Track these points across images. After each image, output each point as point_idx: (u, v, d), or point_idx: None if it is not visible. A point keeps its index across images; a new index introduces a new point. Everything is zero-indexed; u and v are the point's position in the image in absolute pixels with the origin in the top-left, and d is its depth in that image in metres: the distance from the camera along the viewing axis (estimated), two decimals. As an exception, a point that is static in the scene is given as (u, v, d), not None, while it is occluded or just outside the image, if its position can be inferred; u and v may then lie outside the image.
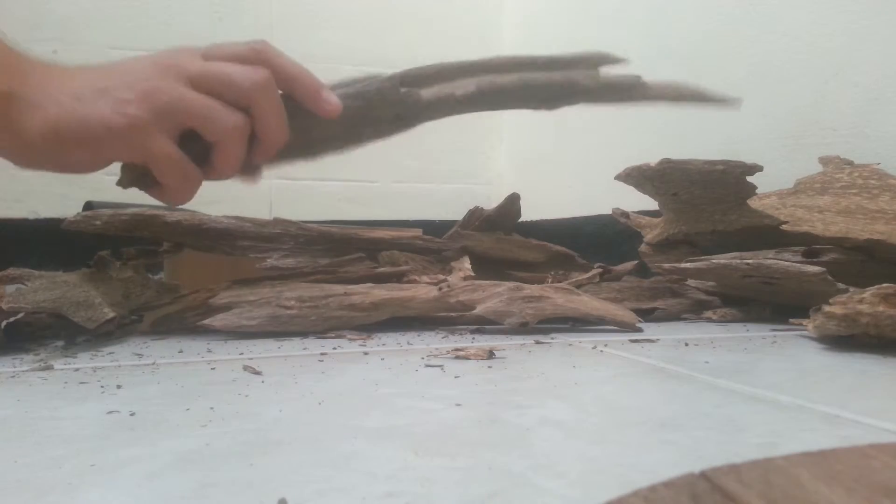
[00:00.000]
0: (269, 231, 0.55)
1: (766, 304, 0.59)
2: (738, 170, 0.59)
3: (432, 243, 0.68)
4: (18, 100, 0.41)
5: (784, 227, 0.61)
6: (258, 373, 0.38)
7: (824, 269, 0.45)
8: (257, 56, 0.44)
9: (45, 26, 1.12)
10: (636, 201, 0.77)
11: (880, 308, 0.43)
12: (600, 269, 0.69)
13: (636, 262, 0.73)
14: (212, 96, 0.41)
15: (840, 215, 0.62)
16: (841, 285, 0.49)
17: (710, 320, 0.62)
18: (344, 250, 0.61)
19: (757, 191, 0.64)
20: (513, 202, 0.76)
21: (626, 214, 0.79)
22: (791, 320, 0.54)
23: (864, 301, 0.43)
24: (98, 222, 0.49)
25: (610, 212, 0.83)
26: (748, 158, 0.61)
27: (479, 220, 0.74)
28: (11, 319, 0.49)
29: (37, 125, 0.41)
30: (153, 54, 0.44)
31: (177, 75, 0.42)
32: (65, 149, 0.41)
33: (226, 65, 0.43)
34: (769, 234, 0.60)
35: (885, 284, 0.44)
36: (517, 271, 0.71)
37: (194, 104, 0.41)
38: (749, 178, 0.61)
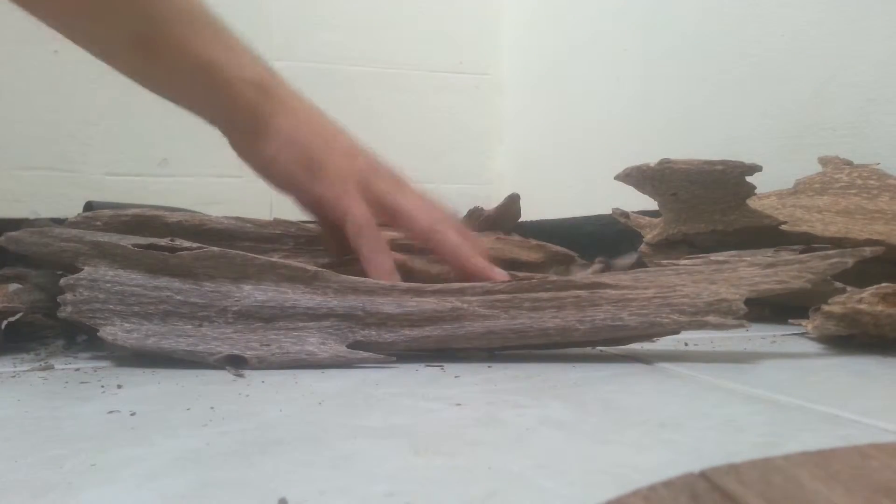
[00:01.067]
0: (270, 231, 0.55)
1: (765, 304, 0.59)
2: (737, 170, 0.60)
3: None
4: (272, 100, 0.49)
5: (783, 227, 0.61)
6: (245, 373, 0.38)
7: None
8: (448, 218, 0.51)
9: (45, 25, 1.12)
10: (636, 201, 0.77)
11: (879, 307, 0.43)
12: (601, 264, 0.68)
13: (636, 253, 0.73)
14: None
15: (839, 215, 0.62)
16: (839, 285, 0.49)
17: (711, 329, 0.62)
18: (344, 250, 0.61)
19: (756, 191, 0.64)
20: (513, 202, 0.76)
21: (625, 214, 0.79)
22: (790, 321, 0.54)
23: (862, 301, 0.43)
24: (99, 223, 0.49)
25: (610, 212, 0.83)
26: (748, 158, 0.61)
27: (478, 221, 0.75)
28: (12, 319, 0.49)
29: (282, 134, 0.49)
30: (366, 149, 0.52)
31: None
32: (288, 165, 0.47)
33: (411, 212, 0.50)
34: (769, 234, 0.60)
35: (883, 284, 0.44)
36: (517, 271, 0.71)
37: (406, 206, 0.49)
38: (749, 178, 0.61)
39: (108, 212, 0.51)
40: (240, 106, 0.48)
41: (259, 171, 0.51)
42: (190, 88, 0.49)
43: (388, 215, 0.50)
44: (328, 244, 0.53)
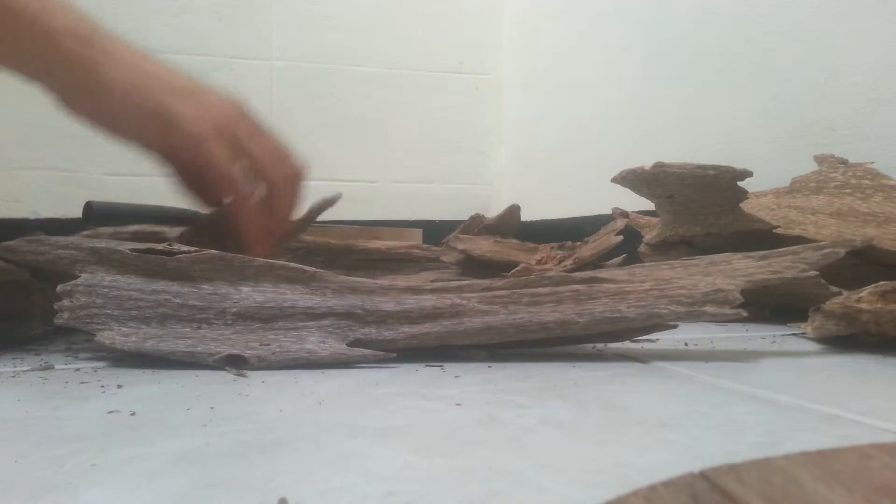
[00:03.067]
0: None
1: (764, 306, 0.59)
2: (728, 175, 0.60)
3: (429, 252, 0.68)
4: (98, 51, 0.45)
5: (776, 230, 0.61)
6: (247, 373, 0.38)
7: (817, 272, 0.45)
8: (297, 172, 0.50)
9: None
10: (637, 201, 0.77)
11: (879, 305, 0.43)
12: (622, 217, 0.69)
13: (624, 256, 0.73)
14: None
15: (832, 217, 0.62)
16: (834, 289, 0.49)
17: (709, 320, 0.62)
18: (341, 261, 0.62)
19: (754, 191, 0.64)
20: (513, 212, 0.77)
21: (625, 214, 0.79)
22: (789, 324, 0.54)
23: (861, 300, 0.43)
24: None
25: (609, 212, 0.83)
26: (747, 157, 0.61)
27: (478, 228, 0.75)
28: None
29: (118, 84, 0.45)
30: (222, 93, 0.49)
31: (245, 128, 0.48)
32: (134, 117, 0.45)
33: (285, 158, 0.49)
34: (762, 238, 0.61)
35: (882, 282, 0.44)
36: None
37: (264, 151, 0.47)
38: (747, 179, 0.61)
39: (108, 230, 0.51)
40: (63, 61, 0.43)
41: (101, 127, 0.47)
42: (8, 47, 0.44)
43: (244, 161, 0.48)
44: (190, 196, 0.51)
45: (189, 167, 0.47)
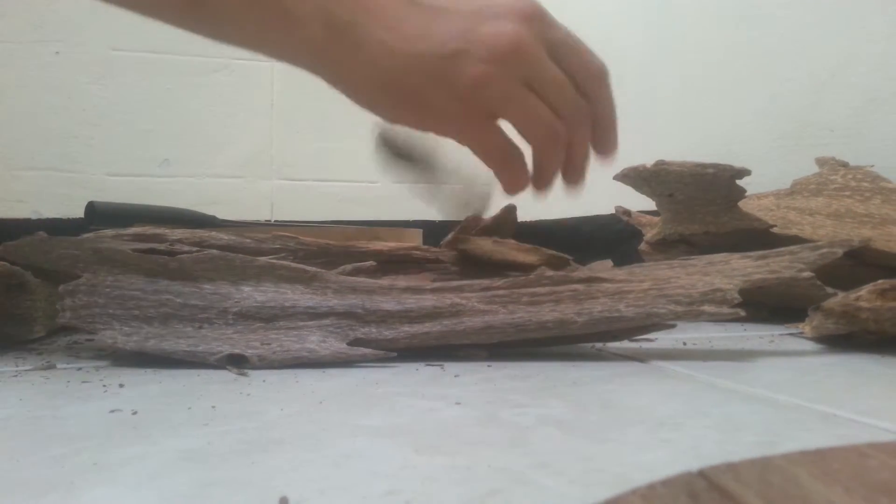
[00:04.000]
0: (269, 246, 0.56)
1: (762, 306, 0.59)
2: (727, 173, 0.60)
3: (429, 252, 0.68)
4: (361, 29, 0.40)
5: (774, 230, 0.61)
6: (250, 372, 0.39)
7: (813, 273, 0.45)
8: (600, 81, 0.43)
9: (46, 26, 1.12)
10: (637, 202, 0.77)
11: (878, 303, 0.43)
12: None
13: (608, 260, 0.74)
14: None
15: (830, 219, 0.62)
16: (829, 289, 0.49)
17: (707, 320, 0.62)
18: (342, 263, 0.62)
19: (752, 191, 0.64)
20: (509, 213, 0.77)
21: (627, 213, 0.80)
22: (786, 324, 0.54)
23: (861, 298, 0.43)
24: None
25: (609, 212, 0.83)
26: (746, 158, 0.61)
27: (475, 229, 0.75)
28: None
29: (365, 75, 0.40)
30: (507, 9, 0.41)
31: (524, 71, 0.40)
32: (395, 108, 0.40)
33: (572, 91, 0.41)
34: (760, 237, 0.61)
35: (880, 280, 0.44)
36: (514, 272, 0.71)
37: (531, 114, 0.40)
38: (745, 178, 0.61)
39: (110, 232, 0.51)
40: (309, 51, 0.41)
41: (374, 112, 0.43)
42: (255, 36, 0.42)
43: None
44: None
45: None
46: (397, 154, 0.46)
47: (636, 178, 0.66)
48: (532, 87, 0.40)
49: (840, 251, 0.45)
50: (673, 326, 0.42)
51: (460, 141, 0.42)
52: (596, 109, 0.42)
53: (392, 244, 0.67)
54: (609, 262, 0.74)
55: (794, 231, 0.61)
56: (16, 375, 0.38)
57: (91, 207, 0.84)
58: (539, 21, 0.42)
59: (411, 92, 0.40)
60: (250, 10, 0.40)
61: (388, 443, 0.25)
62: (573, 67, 0.41)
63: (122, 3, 0.43)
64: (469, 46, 0.40)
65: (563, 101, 0.41)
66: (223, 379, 0.37)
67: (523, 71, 0.40)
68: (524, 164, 0.41)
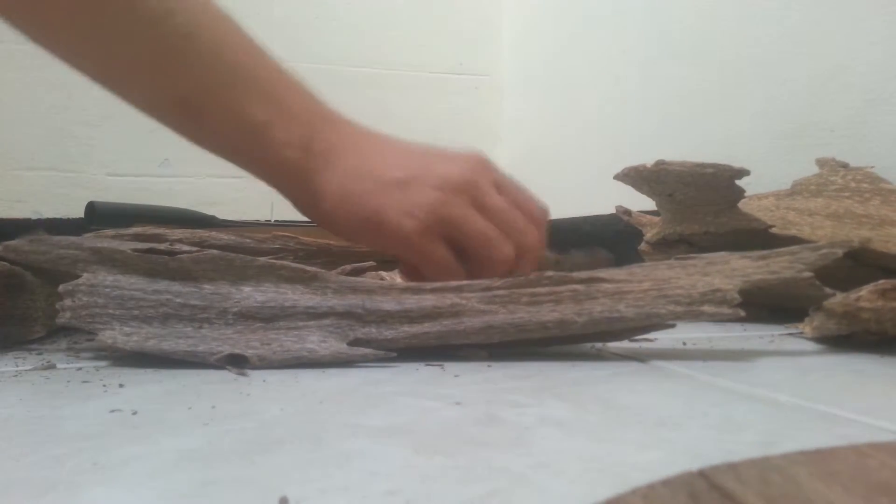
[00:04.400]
0: (269, 246, 0.56)
1: (762, 306, 0.59)
2: (727, 173, 0.60)
3: None
4: (335, 154, 0.46)
5: (773, 230, 0.62)
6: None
7: (812, 274, 0.45)
8: (540, 218, 0.48)
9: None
10: (636, 202, 0.78)
11: (880, 303, 0.43)
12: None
13: (594, 249, 0.74)
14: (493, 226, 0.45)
15: (828, 219, 0.62)
16: (828, 290, 0.49)
17: (707, 320, 0.62)
18: (342, 263, 0.62)
19: (752, 191, 0.64)
20: None
21: (628, 212, 0.80)
22: (786, 324, 0.54)
23: (862, 298, 0.43)
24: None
25: (609, 212, 0.83)
26: (746, 158, 0.61)
27: None
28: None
29: (331, 191, 0.45)
30: (456, 155, 0.48)
31: (472, 198, 0.45)
32: (349, 223, 0.45)
33: (518, 215, 0.46)
34: (759, 237, 0.61)
35: (881, 280, 0.44)
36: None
37: (479, 232, 0.45)
38: (745, 179, 0.61)
39: (110, 232, 0.51)
40: (285, 170, 0.46)
41: (324, 228, 0.48)
42: (237, 150, 0.46)
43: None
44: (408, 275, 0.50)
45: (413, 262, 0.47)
46: None
47: (636, 177, 0.66)
48: (483, 212, 0.44)
49: (840, 251, 0.45)
50: (673, 326, 0.42)
51: (409, 256, 0.46)
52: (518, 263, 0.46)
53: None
54: (593, 251, 0.74)
55: (792, 232, 0.61)
56: (16, 375, 0.39)
57: (91, 207, 0.84)
58: (485, 165, 0.48)
59: (373, 212, 0.45)
60: (239, 125, 0.44)
61: (388, 443, 0.25)
62: (518, 202, 0.46)
63: (119, 95, 0.46)
64: (426, 175, 0.46)
65: (513, 227, 0.45)
66: (223, 379, 0.37)
67: (473, 197, 0.44)
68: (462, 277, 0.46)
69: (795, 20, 0.80)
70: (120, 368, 0.40)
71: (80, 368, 0.40)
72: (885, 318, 0.43)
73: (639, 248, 0.75)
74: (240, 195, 1.24)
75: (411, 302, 0.42)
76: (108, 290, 0.42)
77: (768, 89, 0.83)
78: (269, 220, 1.19)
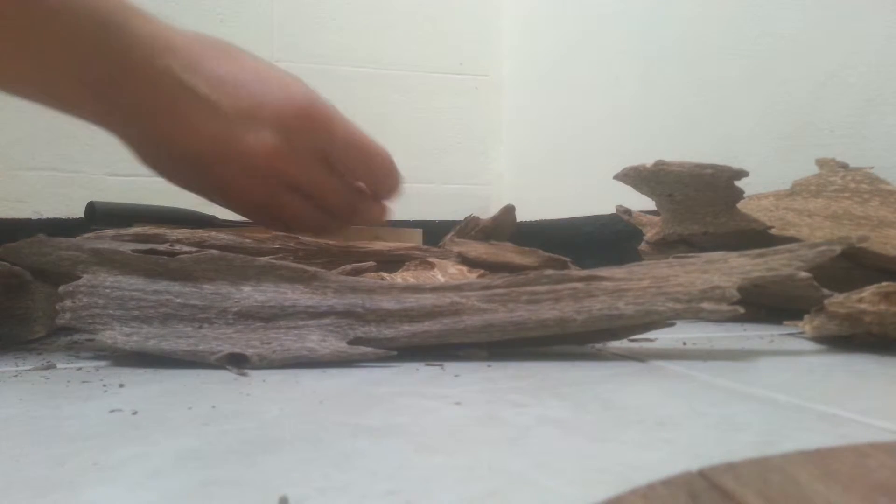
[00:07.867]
0: (269, 247, 0.56)
1: (761, 306, 0.59)
2: (726, 174, 0.61)
3: (429, 253, 0.69)
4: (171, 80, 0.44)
5: (771, 231, 0.62)
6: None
7: (810, 274, 0.45)
8: (379, 162, 0.49)
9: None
10: (636, 202, 0.78)
11: (882, 306, 0.43)
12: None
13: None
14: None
15: (828, 220, 0.62)
16: (826, 291, 0.49)
17: (706, 320, 0.62)
18: (342, 263, 0.62)
19: (751, 192, 0.64)
20: (508, 213, 0.77)
21: (628, 212, 0.80)
22: (786, 323, 0.54)
23: (863, 300, 0.43)
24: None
25: (609, 212, 0.83)
26: (746, 158, 0.61)
27: (474, 230, 0.75)
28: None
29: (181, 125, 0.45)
30: (307, 90, 0.46)
31: (307, 142, 0.46)
32: (193, 155, 0.44)
33: (367, 140, 0.47)
34: (758, 238, 0.61)
35: (884, 283, 0.44)
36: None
37: (319, 183, 0.46)
38: (744, 179, 0.61)
39: (110, 232, 0.51)
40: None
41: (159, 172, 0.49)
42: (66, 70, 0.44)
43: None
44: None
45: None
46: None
47: (636, 177, 0.66)
48: (300, 190, 0.44)
49: (838, 248, 0.45)
50: (672, 324, 0.42)
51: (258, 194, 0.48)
52: (382, 195, 0.47)
53: (392, 244, 0.67)
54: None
55: (791, 232, 0.62)
56: (16, 375, 0.39)
57: (91, 207, 0.84)
58: (310, 125, 0.46)
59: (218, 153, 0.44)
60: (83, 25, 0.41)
61: (387, 442, 0.25)
62: (352, 164, 0.46)
63: None
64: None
65: (335, 203, 0.45)
66: (223, 379, 0.37)
67: (286, 178, 0.45)
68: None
69: (795, 20, 0.80)
70: (120, 368, 0.40)
71: (80, 368, 0.40)
72: (888, 322, 0.43)
73: (639, 248, 0.76)
74: (240, 195, 1.24)
75: (411, 301, 0.42)
76: (108, 290, 0.42)
77: (768, 89, 0.83)
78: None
